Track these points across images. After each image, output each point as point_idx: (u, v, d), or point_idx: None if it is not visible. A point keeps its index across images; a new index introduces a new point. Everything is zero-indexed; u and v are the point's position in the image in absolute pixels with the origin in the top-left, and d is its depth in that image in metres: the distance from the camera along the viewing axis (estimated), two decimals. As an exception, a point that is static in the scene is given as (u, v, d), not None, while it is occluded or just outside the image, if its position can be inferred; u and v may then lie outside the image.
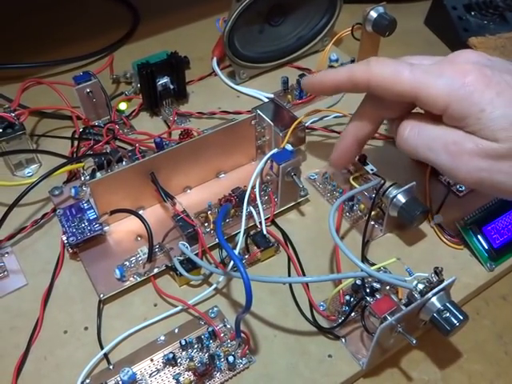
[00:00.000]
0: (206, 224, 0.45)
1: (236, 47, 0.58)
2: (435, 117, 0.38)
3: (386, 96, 0.39)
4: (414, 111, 0.41)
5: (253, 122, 0.47)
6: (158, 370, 0.37)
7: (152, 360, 0.37)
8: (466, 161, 0.36)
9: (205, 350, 0.38)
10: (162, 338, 0.39)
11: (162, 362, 0.37)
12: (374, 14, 0.54)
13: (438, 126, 0.38)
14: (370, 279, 0.40)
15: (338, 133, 0.54)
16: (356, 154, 0.45)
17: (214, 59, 0.62)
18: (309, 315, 0.40)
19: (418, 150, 0.39)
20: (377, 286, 0.39)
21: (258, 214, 0.44)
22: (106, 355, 0.38)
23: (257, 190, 0.45)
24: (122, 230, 0.45)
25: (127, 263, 0.42)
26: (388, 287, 0.40)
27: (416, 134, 0.39)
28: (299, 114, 0.50)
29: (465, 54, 0.38)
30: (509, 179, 0.36)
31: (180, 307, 0.41)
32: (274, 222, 0.46)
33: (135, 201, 0.45)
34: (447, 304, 0.36)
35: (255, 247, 0.43)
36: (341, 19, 0.62)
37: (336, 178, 0.49)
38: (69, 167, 0.47)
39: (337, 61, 0.60)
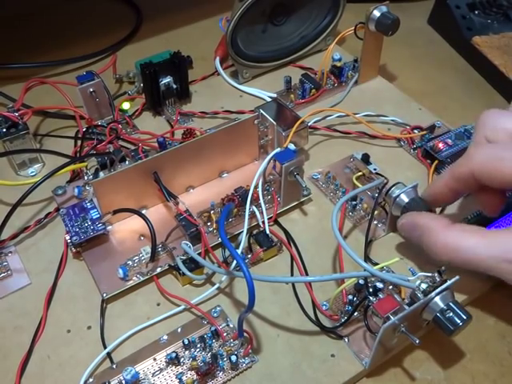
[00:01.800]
0: (209, 223, 0.45)
1: (239, 47, 0.58)
2: None
3: (494, 185, 0.36)
4: None
5: (255, 122, 0.47)
6: (161, 370, 0.37)
7: (155, 359, 0.38)
8: None
9: (207, 350, 0.38)
10: (165, 337, 0.39)
11: (165, 362, 0.37)
12: (377, 14, 0.54)
13: None
14: (372, 279, 0.40)
15: (341, 132, 0.54)
16: (450, 201, 0.41)
17: (217, 59, 0.62)
18: (312, 315, 0.40)
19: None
20: (380, 285, 0.39)
21: (261, 213, 0.44)
22: (109, 354, 0.38)
23: (259, 189, 0.45)
24: (125, 229, 0.45)
25: (130, 262, 0.42)
26: (391, 287, 0.40)
27: None
28: (302, 114, 0.49)
29: None
30: None
31: (183, 307, 0.41)
32: (276, 222, 0.46)
33: (138, 200, 0.45)
34: (450, 304, 0.35)
35: (258, 247, 0.43)
36: (344, 18, 0.62)
37: (339, 178, 0.49)
38: (72, 167, 0.48)
39: (340, 60, 0.60)
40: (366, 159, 0.48)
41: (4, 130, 0.48)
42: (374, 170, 0.47)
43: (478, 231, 0.36)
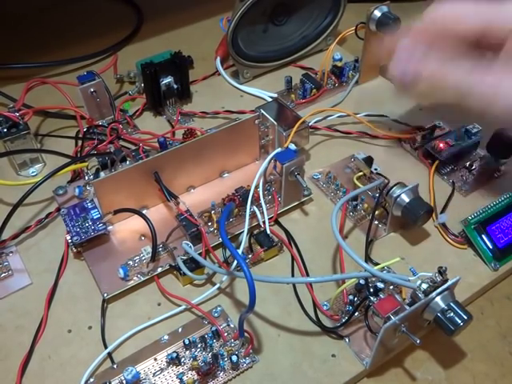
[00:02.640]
0: (210, 223, 0.45)
1: (240, 47, 0.58)
2: None
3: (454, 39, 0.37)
4: None
5: (256, 122, 0.47)
6: (162, 370, 0.37)
7: (156, 359, 0.38)
8: None
9: (208, 350, 0.38)
10: (166, 337, 0.39)
11: (166, 362, 0.37)
12: (377, 14, 0.54)
13: None
14: (373, 279, 0.40)
15: (342, 132, 0.54)
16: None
17: (218, 59, 0.62)
18: (312, 315, 0.40)
19: None
20: (380, 285, 0.39)
21: (262, 213, 0.44)
22: (109, 354, 0.38)
23: (260, 189, 0.45)
24: (126, 229, 0.45)
25: (131, 262, 0.42)
26: (392, 287, 0.40)
27: None
28: (303, 114, 0.49)
29: None
30: None
31: (183, 307, 0.41)
32: (277, 222, 0.46)
33: (139, 200, 0.45)
34: (451, 304, 0.35)
35: (259, 247, 0.43)
36: (345, 18, 0.62)
37: (339, 178, 0.49)
38: (73, 167, 0.48)
39: (340, 60, 0.60)
40: (369, 162, 0.47)
41: (5, 130, 0.49)
42: (375, 170, 0.47)
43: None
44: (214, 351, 0.38)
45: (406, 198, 0.43)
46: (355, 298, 0.40)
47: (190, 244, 0.42)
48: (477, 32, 0.37)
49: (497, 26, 0.36)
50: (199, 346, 0.38)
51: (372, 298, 0.38)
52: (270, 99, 0.57)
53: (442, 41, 0.38)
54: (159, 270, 0.42)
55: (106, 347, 0.38)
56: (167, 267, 0.42)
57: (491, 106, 0.36)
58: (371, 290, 0.39)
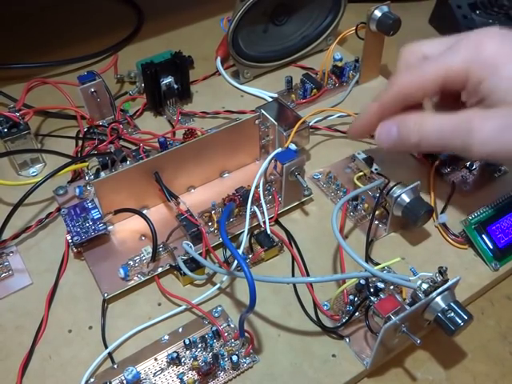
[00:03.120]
0: (210, 223, 0.45)
1: (240, 47, 0.58)
2: None
3: (418, 97, 0.39)
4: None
5: (257, 122, 0.47)
6: (162, 370, 0.37)
7: (156, 359, 0.38)
8: None
9: (208, 350, 0.38)
10: (166, 337, 0.39)
11: (166, 362, 0.37)
12: (378, 13, 0.54)
13: None
14: (373, 279, 0.40)
15: (342, 132, 0.54)
16: (372, 131, 0.43)
17: (218, 59, 0.62)
18: (313, 315, 0.40)
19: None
20: (381, 285, 0.39)
21: (262, 213, 0.44)
22: (110, 354, 0.38)
23: (260, 189, 0.45)
24: (126, 229, 0.45)
25: (131, 262, 0.42)
26: (392, 287, 0.40)
27: None
28: (303, 114, 0.49)
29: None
30: None
31: (184, 307, 0.41)
32: (277, 222, 0.46)
33: (139, 200, 0.45)
34: (452, 304, 0.35)
35: (259, 247, 0.43)
36: (345, 18, 0.62)
37: (340, 178, 0.49)
38: (73, 167, 0.48)
39: (341, 60, 0.60)
40: (369, 162, 0.47)
41: (5, 129, 0.49)
42: (375, 170, 0.47)
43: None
44: (215, 351, 0.38)
45: (406, 198, 0.43)
46: (355, 298, 0.40)
47: (191, 244, 0.42)
48: (439, 87, 0.37)
49: (452, 74, 0.37)
50: (199, 346, 0.38)
51: (372, 298, 0.38)
52: (270, 99, 0.57)
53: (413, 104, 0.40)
54: (159, 270, 0.42)
55: (106, 347, 0.38)
56: (167, 267, 0.42)
57: (468, 150, 0.36)
58: (371, 289, 0.39)
